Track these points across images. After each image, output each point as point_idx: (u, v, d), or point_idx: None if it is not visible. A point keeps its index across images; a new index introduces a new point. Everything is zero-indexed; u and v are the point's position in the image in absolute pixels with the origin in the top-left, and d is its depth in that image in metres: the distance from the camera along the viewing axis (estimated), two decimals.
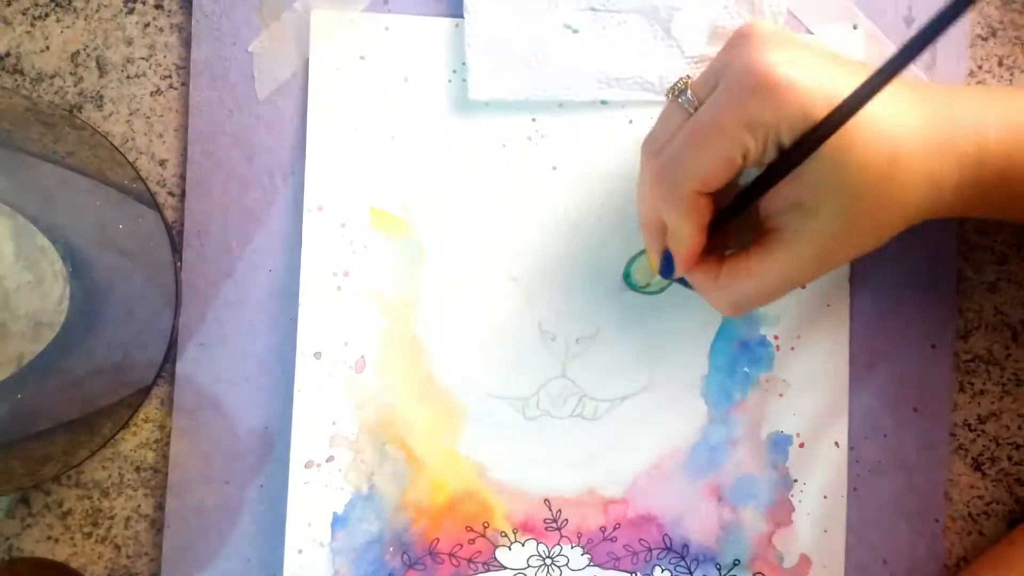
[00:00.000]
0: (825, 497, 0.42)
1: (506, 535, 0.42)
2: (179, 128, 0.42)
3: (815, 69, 0.31)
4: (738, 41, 0.32)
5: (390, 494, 0.41)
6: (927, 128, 0.32)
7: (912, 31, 0.40)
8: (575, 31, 0.41)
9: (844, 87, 0.29)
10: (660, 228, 0.36)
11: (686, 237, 0.34)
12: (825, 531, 0.42)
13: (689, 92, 0.34)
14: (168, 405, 0.42)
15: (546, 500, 0.42)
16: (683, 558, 0.42)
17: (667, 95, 0.35)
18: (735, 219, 0.34)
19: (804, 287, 0.42)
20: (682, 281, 0.38)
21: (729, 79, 0.32)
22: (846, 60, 0.33)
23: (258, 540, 0.42)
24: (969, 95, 0.34)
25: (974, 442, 0.43)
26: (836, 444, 0.42)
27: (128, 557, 0.42)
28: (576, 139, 0.42)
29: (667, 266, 0.36)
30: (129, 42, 0.42)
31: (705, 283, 0.36)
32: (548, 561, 0.42)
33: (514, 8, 0.41)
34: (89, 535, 0.42)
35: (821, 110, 0.30)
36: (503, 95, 0.41)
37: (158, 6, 0.42)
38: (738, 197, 0.34)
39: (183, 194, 0.42)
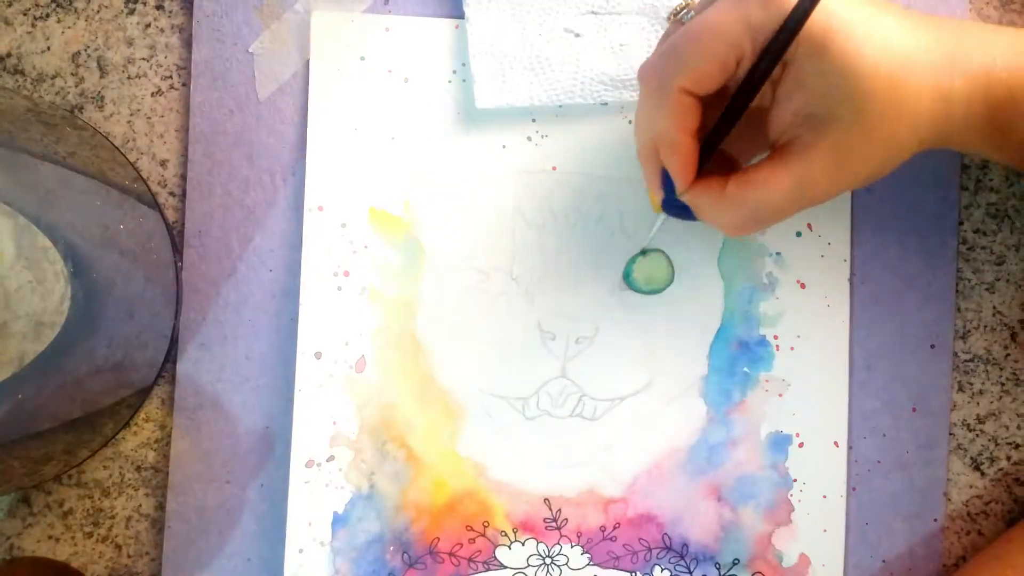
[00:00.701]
0: (824, 497, 0.42)
1: (506, 534, 0.42)
2: (180, 128, 0.42)
3: None
4: None
5: (390, 494, 0.41)
6: (936, 45, 0.32)
7: None
8: (577, 35, 0.41)
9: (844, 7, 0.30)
10: (655, 149, 0.35)
11: (678, 142, 0.33)
12: (824, 531, 0.42)
13: (692, 12, 0.34)
14: (169, 405, 0.42)
15: (546, 500, 0.42)
16: (683, 557, 0.42)
17: (668, 18, 0.35)
18: (729, 132, 0.34)
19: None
20: (683, 212, 0.36)
21: None
22: None
23: (259, 539, 0.42)
24: (976, 25, 0.35)
25: (973, 442, 0.43)
26: (836, 444, 0.42)
27: (129, 556, 0.42)
28: (576, 140, 0.42)
29: (668, 186, 0.35)
30: (130, 43, 0.42)
31: (710, 201, 0.35)
32: (548, 560, 0.42)
33: (515, 15, 0.41)
34: (90, 535, 0.42)
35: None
36: (509, 102, 0.41)
37: (159, 7, 0.42)
38: (730, 103, 0.33)
39: (184, 194, 0.42)
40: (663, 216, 0.38)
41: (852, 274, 0.42)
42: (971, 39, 0.33)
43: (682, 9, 0.35)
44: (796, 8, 0.30)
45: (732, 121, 0.34)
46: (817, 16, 0.31)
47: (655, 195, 0.37)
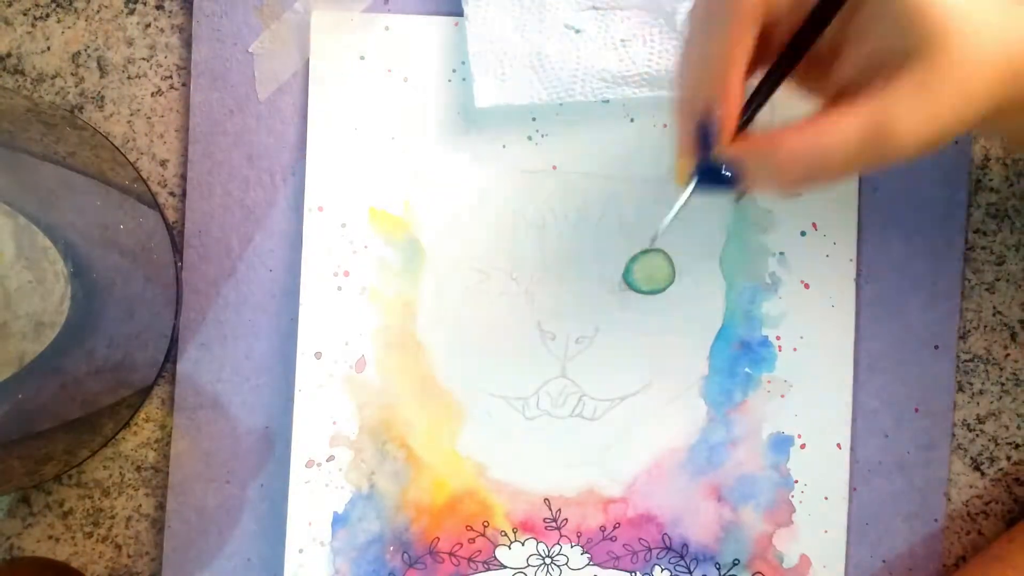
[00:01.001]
0: (826, 498, 0.42)
1: (506, 534, 0.42)
2: (180, 128, 0.42)
3: None
4: None
5: (390, 493, 0.41)
6: (1005, 10, 0.29)
7: None
8: (577, 31, 0.41)
9: None
10: (696, 96, 0.31)
11: (730, 80, 0.30)
12: (825, 531, 0.42)
13: None
14: (169, 405, 0.42)
15: (546, 500, 0.42)
16: (683, 558, 0.42)
17: None
18: (792, 67, 0.31)
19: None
20: (715, 180, 0.32)
21: None
22: None
23: (259, 539, 0.42)
24: None
25: (973, 442, 0.43)
26: (838, 446, 0.42)
27: (129, 556, 0.42)
28: (576, 139, 0.42)
29: (705, 144, 0.32)
30: (130, 43, 0.42)
31: (760, 156, 0.31)
32: (548, 560, 0.42)
33: (514, 13, 0.41)
34: (90, 535, 0.42)
35: None
36: (509, 101, 0.41)
37: (159, 7, 0.42)
38: (796, 35, 0.30)
39: (184, 194, 0.42)
40: (689, 190, 0.34)
41: (858, 274, 0.42)
42: None
43: None
44: None
45: (796, 57, 0.30)
46: None
47: (686, 158, 0.33)
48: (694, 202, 0.34)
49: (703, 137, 0.32)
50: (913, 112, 0.29)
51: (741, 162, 0.31)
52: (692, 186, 0.33)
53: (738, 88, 0.30)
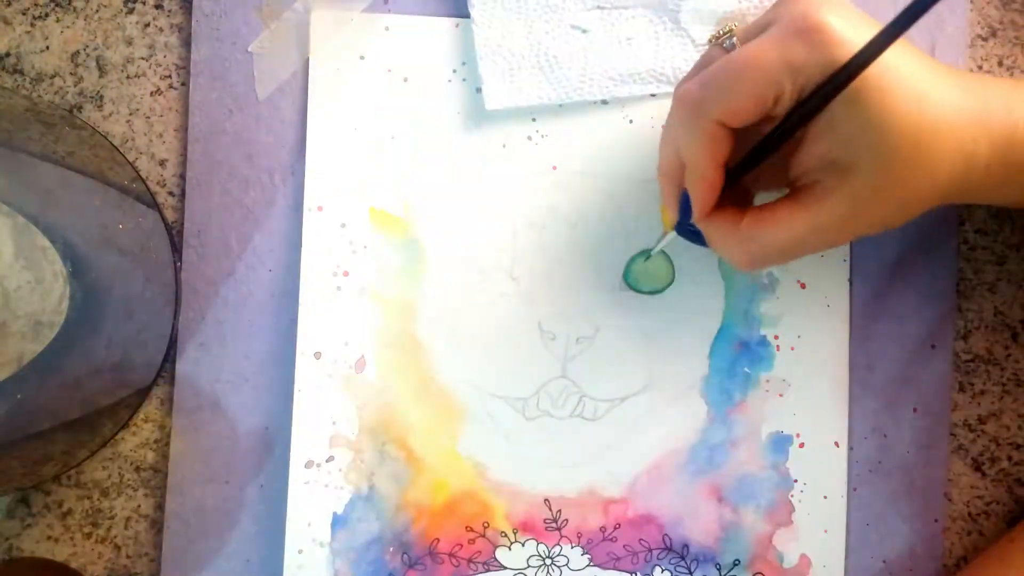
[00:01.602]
0: (825, 497, 0.42)
1: (506, 535, 0.42)
2: (179, 128, 0.42)
3: (865, 28, 0.31)
4: None
5: (390, 494, 0.41)
6: (963, 105, 0.32)
7: None
8: (584, 31, 0.41)
9: (894, 58, 0.30)
10: (678, 171, 0.35)
11: (705, 172, 0.33)
12: (825, 531, 0.42)
13: (735, 38, 0.34)
14: (168, 405, 0.42)
15: (546, 500, 0.42)
16: (683, 558, 0.42)
17: (709, 41, 0.35)
18: (757, 167, 0.34)
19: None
20: (693, 236, 0.37)
21: (779, 23, 0.32)
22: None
23: (258, 540, 0.42)
24: (1000, 81, 0.35)
25: (974, 442, 0.43)
26: (836, 444, 0.42)
27: (128, 557, 0.42)
28: (576, 139, 0.42)
29: (685, 209, 0.35)
30: (129, 42, 0.42)
31: (724, 233, 0.35)
32: (548, 561, 0.42)
33: (521, 14, 0.41)
34: (89, 535, 0.42)
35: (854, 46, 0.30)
36: (518, 102, 0.41)
37: (158, 6, 0.42)
38: (762, 141, 0.33)
39: (183, 194, 0.42)
40: (672, 234, 0.38)
41: (852, 274, 0.42)
42: (998, 98, 0.33)
43: (724, 34, 0.35)
44: (851, 61, 0.30)
45: (760, 159, 0.33)
46: (848, 46, 0.30)
47: (670, 214, 0.37)
48: None
49: (684, 202, 0.35)
50: (846, 221, 0.33)
51: (708, 233, 0.36)
52: (672, 234, 0.38)
53: (711, 180, 0.34)
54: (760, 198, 0.37)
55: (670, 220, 0.37)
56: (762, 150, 0.33)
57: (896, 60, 0.31)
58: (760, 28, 0.33)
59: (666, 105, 0.41)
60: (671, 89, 0.41)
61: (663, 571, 0.42)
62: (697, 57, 0.41)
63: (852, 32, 0.30)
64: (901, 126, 0.31)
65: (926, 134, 0.31)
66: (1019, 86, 0.35)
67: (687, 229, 0.37)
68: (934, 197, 0.33)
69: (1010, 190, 0.35)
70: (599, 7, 0.41)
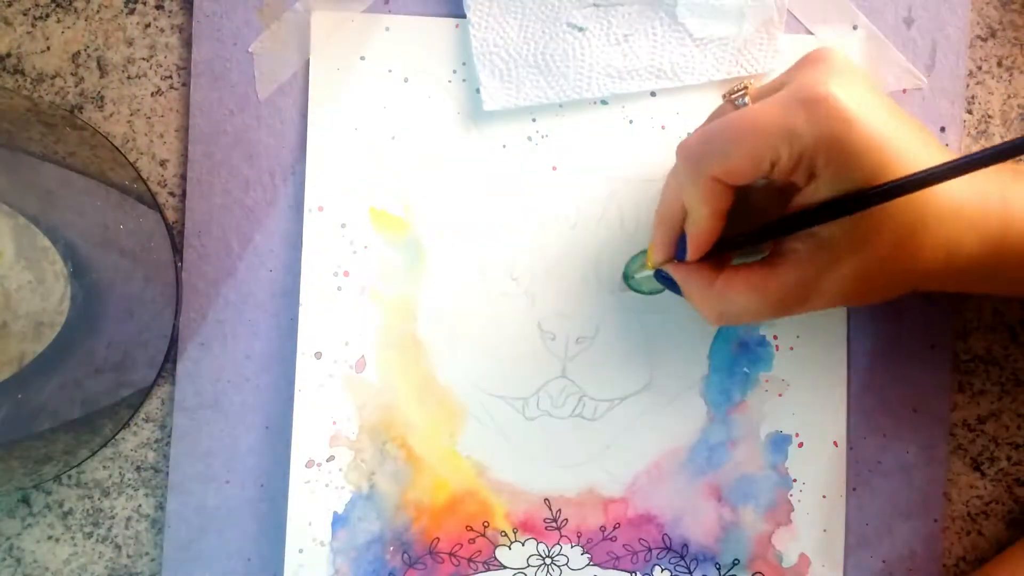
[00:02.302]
0: (824, 497, 0.42)
1: (506, 535, 0.42)
2: (180, 128, 0.42)
3: (874, 111, 0.31)
4: (810, 61, 0.33)
5: (390, 493, 0.41)
6: (956, 200, 0.32)
7: (934, 55, 0.41)
8: (581, 29, 0.41)
9: (898, 141, 0.30)
10: (676, 215, 0.36)
11: (701, 219, 0.34)
12: (824, 531, 0.42)
13: (747, 97, 0.35)
14: (169, 405, 0.42)
15: (546, 500, 0.42)
16: (683, 558, 0.42)
17: (723, 96, 0.36)
18: (754, 244, 0.35)
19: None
20: (671, 285, 0.38)
21: (789, 88, 0.32)
22: (906, 117, 0.33)
23: (259, 539, 0.42)
24: (997, 172, 0.34)
25: (973, 442, 0.43)
26: (835, 444, 0.42)
27: (129, 557, 0.42)
28: (576, 139, 0.42)
29: (681, 249, 0.36)
30: (130, 42, 0.42)
31: (699, 288, 0.36)
32: (548, 561, 0.42)
33: (518, 15, 0.41)
34: (90, 535, 0.42)
35: (867, 153, 0.30)
36: (517, 102, 0.41)
37: (159, 7, 0.42)
38: (766, 226, 0.34)
39: (184, 194, 0.42)
40: (650, 273, 0.39)
41: None
42: (992, 188, 0.33)
43: (738, 91, 0.35)
44: (872, 190, 0.30)
45: (758, 241, 0.34)
46: (845, 135, 0.30)
47: (657, 255, 0.38)
48: None
49: (679, 246, 0.36)
50: (817, 295, 0.33)
51: (683, 284, 0.37)
52: (650, 273, 0.39)
53: (707, 231, 0.34)
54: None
55: (654, 261, 0.38)
56: (765, 234, 0.34)
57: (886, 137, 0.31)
58: (773, 89, 0.33)
59: (666, 104, 0.42)
60: (670, 85, 0.41)
61: (663, 571, 0.42)
62: (695, 52, 0.41)
63: (857, 108, 0.30)
64: (888, 219, 0.31)
65: (911, 228, 0.31)
66: (1017, 174, 0.34)
67: (665, 276, 0.38)
68: (910, 285, 0.34)
69: (1001, 285, 0.35)
70: (595, 5, 0.41)
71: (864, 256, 0.32)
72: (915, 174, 0.29)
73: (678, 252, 0.37)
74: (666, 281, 0.38)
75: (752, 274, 0.34)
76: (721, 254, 0.36)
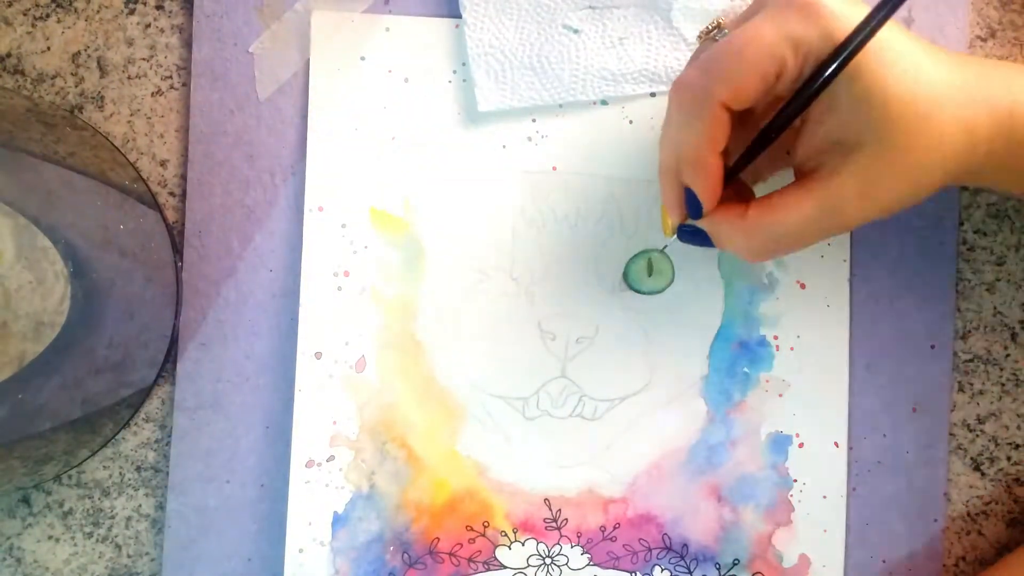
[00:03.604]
0: (824, 497, 0.42)
1: (506, 534, 0.42)
2: (180, 128, 0.42)
3: (855, 4, 0.31)
4: None
5: (390, 493, 0.41)
6: (963, 82, 0.32)
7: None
8: (575, 31, 0.41)
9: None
10: (675, 170, 0.35)
11: (708, 161, 0.33)
12: (824, 531, 0.42)
13: (725, 30, 0.34)
14: (169, 405, 0.42)
15: (546, 500, 0.42)
16: (683, 558, 0.42)
17: (698, 38, 0.35)
18: (760, 154, 0.34)
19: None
20: (697, 238, 0.37)
21: (770, 4, 0.32)
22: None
23: (259, 539, 0.42)
24: (1002, 64, 0.35)
25: (973, 442, 0.43)
26: (835, 444, 0.42)
27: (129, 557, 0.42)
28: (576, 140, 0.42)
29: (692, 205, 0.35)
30: (130, 43, 0.42)
31: (730, 227, 0.35)
32: (548, 560, 0.42)
33: (513, 16, 0.41)
34: (90, 535, 0.42)
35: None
36: (511, 103, 0.41)
37: (159, 7, 0.42)
38: (766, 127, 0.33)
39: (184, 194, 0.42)
40: (673, 239, 0.38)
41: (852, 274, 0.42)
42: (997, 78, 0.33)
43: (713, 28, 0.35)
44: (852, 36, 0.30)
45: (765, 144, 0.33)
46: (849, 27, 0.30)
47: (671, 217, 0.37)
48: None
49: (688, 199, 0.35)
50: (855, 200, 0.33)
51: (714, 230, 0.36)
52: (672, 240, 0.38)
53: (715, 169, 0.34)
54: (760, 191, 0.37)
55: (672, 223, 0.37)
56: (767, 134, 0.33)
57: (891, 38, 0.31)
58: (750, 15, 0.33)
59: (665, 107, 0.41)
60: (664, 89, 0.41)
61: (663, 570, 0.42)
62: (688, 55, 0.41)
63: (843, 5, 0.31)
64: (902, 99, 0.31)
65: (926, 107, 0.31)
66: (1019, 68, 0.35)
67: (689, 232, 0.37)
68: (940, 172, 0.33)
69: (1013, 173, 0.35)
70: (590, 7, 0.41)
71: (892, 143, 0.32)
72: (870, 13, 0.30)
73: (690, 210, 0.35)
74: (693, 237, 0.37)
75: (785, 195, 0.34)
76: (736, 182, 0.35)
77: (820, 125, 0.33)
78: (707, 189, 0.34)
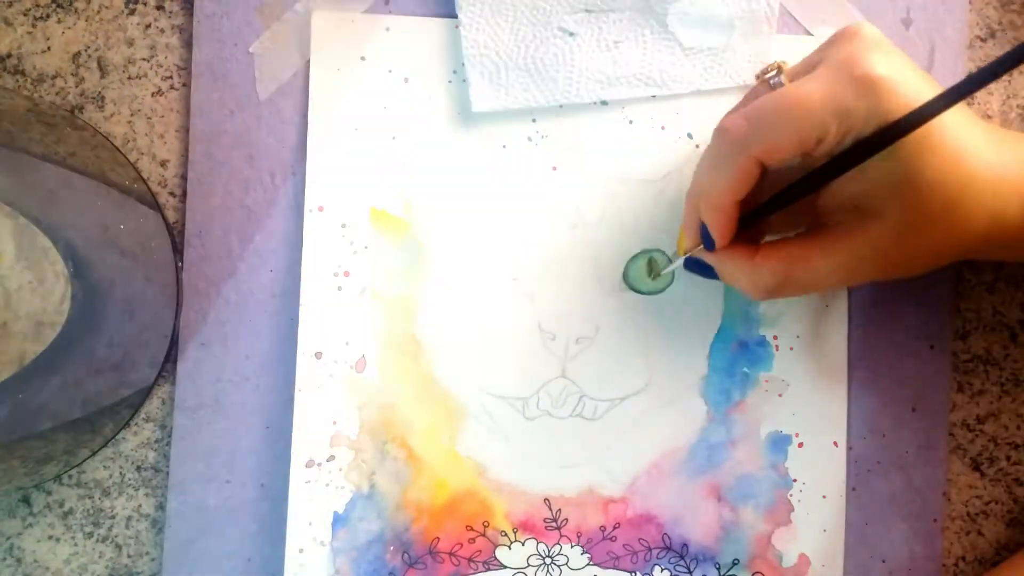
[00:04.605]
0: (824, 497, 0.42)
1: (506, 534, 0.42)
2: (180, 129, 0.42)
3: (913, 80, 0.31)
4: (843, 38, 0.33)
5: (391, 493, 0.41)
6: (999, 166, 0.32)
7: (936, 56, 0.41)
8: (571, 34, 0.41)
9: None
10: (698, 204, 0.35)
11: (726, 204, 0.34)
12: (824, 531, 0.42)
13: (782, 75, 0.34)
14: (169, 404, 0.42)
15: (546, 500, 0.42)
16: (682, 558, 0.42)
17: (756, 77, 0.36)
18: (782, 208, 0.34)
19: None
20: (702, 270, 0.37)
21: (828, 65, 0.32)
22: (937, 85, 0.33)
23: (259, 539, 0.42)
24: None
25: (973, 442, 0.43)
26: (835, 444, 0.42)
27: (129, 557, 0.42)
28: (576, 140, 0.42)
29: (706, 237, 0.36)
30: (130, 43, 0.42)
31: (735, 266, 0.35)
32: (548, 560, 0.42)
33: (508, 17, 0.41)
34: (90, 535, 0.42)
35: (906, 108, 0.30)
36: (505, 104, 0.41)
37: (159, 7, 0.42)
38: (800, 181, 0.33)
39: (184, 194, 0.42)
40: (680, 262, 0.39)
41: None
42: None
43: (771, 71, 0.35)
44: (908, 118, 0.30)
45: (788, 202, 0.34)
46: (899, 112, 0.30)
47: (687, 241, 0.37)
48: None
49: (703, 231, 0.36)
50: (871, 262, 0.33)
51: (720, 267, 0.37)
52: (682, 262, 0.39)
53: (731, 214, 0.34)
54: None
55: (686, 247, 0.38)
56: (791, 193, 0.33)
57: (942, 119, 0.30)
58: (808, 67, 0.33)
59: (667, 105, 0.42)
60: (659, 93, 0.41)
61: (663, 570, 0.42)
62: (684, 61, 0.41)
63: (902, 83, 0.30)
64: (934, 184, 0.31)
65: (957, 194, 0.31)
66: None
67: (696, 263, 0.38)
68: (955, 254, 0.33)
69: None
70: (586, 10, 0.41)
71: (914, 223, 0.32)
72: (945, 94, 0.29)
73: (704, 241, 0.36)
74: (699, 268, 0.38)
75: (792, 246, 0.34)
76: (752, 226, 0.35)
77: (847, 186, 0.33)
78: (720, 230, 0.35)
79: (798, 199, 0.34)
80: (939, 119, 0.30)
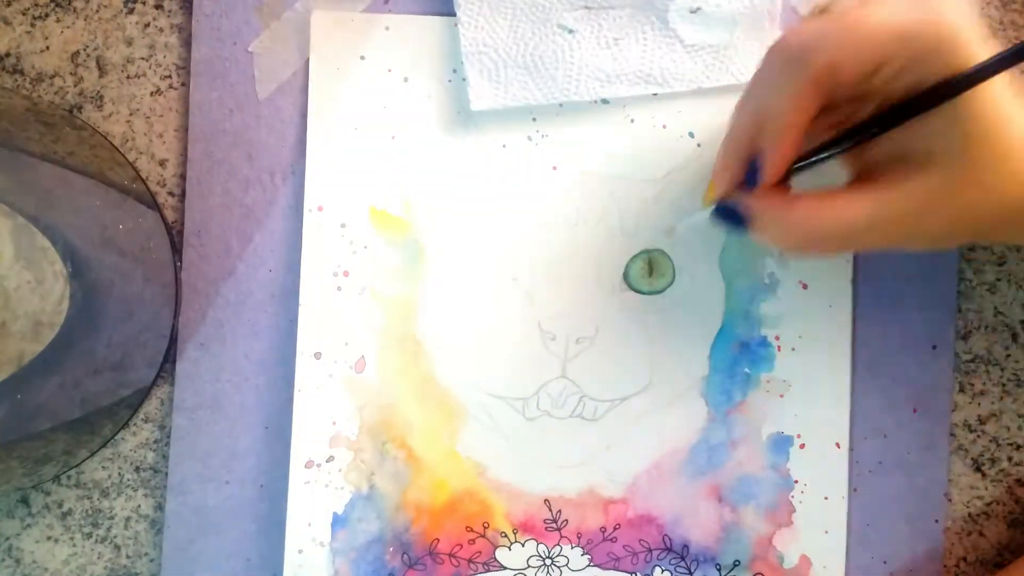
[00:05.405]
0: (826, 498, 0.42)
1: (506, 535, 0.42)
2: (179, 128, 0.42)
3: (975, 29, 0.30)
4: None
5: (390, 494, 0.41)
6: None
7: None
8: (571, 31, 0.41)
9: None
10: (748, 137, 0.33)
11: (790, 127, 0.32)
12: (826, 532, 0.42)
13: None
14: (168, 405, 0.42)
15: (546, 500, 0.42)
16: (683, 558, 0.42)
17: (812, 10, 0.34)
18: (840, 151, 0.33)
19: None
20: (733, 219, 0.35)
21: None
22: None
23: (258, 540, 0.42)
24: None
25: (974, 443, 0.43)
26: (837, 445, 0.42)
27: (128, 557, 0.42)
28: (576, 139, 0.42)
29: (751, 174, 0.34)
30: (129, 42, 0.42)
31: (776, 214, 0.33)
32: (548, 561, 0.42)
33: (507, 15, 0.41)
34: (89, 535, 0.42)
35: (970, 59, 0.29)
36: (504, 103, 0.41)
37: (158, 6, 0.42)
38: (853, 128, 0.32)
39: (183, 194, 0.42)
40: (707, 213, 0.37)
41: (854, 274, 0.42)
42: None
43: (829, 3, 0.34)
44: (977, 68, 0.29)
45: (849, 142, 0.32)
46: (963, 55, 0.29)
47: (719, 186, 0.35)
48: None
49: (748, 172, 0.34)
50: (911, 216, 0.31)
51: (757, 213, 0.34)
52: (710, 212, 0.36)
53: (795, 139, 0.32)
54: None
55: (716, 193, 0.36)
56: (854, 134, 0.32)
57: (1002, 78, 0.30)
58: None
59: (668, 104, 0.41)
60: (659, 91, 0.41)
61: (663, 571, 0.42)
62: (685, 59, 0.41)
63: (967, 29, 0.30)
64: (987, 135, 0.30)
65: (1008, 152, 0.31)
66: None
67: (727, 210, 0.35)
68: (999, 216, 0.32)
69: None
70: (586, 7, 0.41)
71: (963, 173, 0.31)
72: (1003, 52, 0.28)
73: (747, 177, 0.34)
74: (728, 216, 0.35)
75: (836, 197, 0.32)
76: (799, 171, 0.34)
77: (896, 134, 0.32)
78: (779, 157, 0.32)
79: (858, 143, 0.32)
80: (1001, 84, 0.30)
